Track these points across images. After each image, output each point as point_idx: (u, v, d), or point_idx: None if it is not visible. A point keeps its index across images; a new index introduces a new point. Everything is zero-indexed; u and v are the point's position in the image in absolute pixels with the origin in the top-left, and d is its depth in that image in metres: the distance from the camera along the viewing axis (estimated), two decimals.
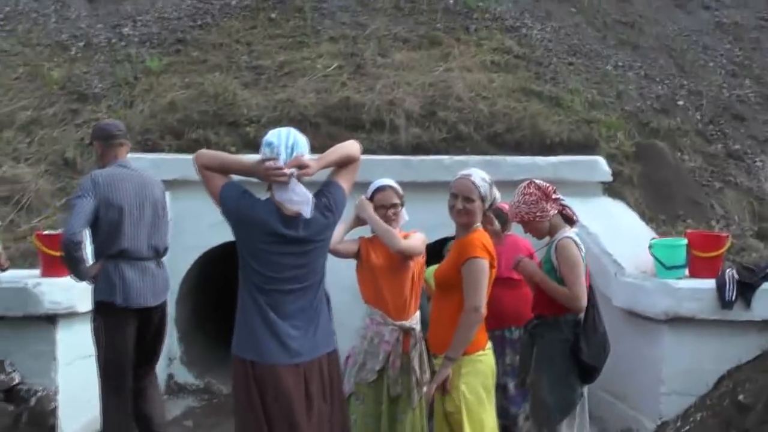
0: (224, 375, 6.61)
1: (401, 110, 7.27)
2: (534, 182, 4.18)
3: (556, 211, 4.13)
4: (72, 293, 5.04)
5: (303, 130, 6.85)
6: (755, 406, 4.52)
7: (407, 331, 4.16)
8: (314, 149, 6.72)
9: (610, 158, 7.01)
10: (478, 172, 3.82)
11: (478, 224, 3.75)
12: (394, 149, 6.96)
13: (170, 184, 6.23)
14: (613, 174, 6.82)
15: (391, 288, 4.14)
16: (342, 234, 4.18)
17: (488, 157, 6.69)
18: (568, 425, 4.04)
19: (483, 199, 3.72)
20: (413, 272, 4.23)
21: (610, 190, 6.82)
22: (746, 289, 4.94)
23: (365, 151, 6.39)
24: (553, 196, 4.14)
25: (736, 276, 4.98)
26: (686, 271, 5.22)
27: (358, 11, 9.50)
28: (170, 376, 6.62)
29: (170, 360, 6.58)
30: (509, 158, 6.69)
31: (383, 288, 4.14)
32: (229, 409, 5.65)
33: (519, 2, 10.17)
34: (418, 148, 7.00)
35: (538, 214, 4.10)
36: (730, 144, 7.83)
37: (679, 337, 5.01)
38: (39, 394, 5.00)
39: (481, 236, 3.70)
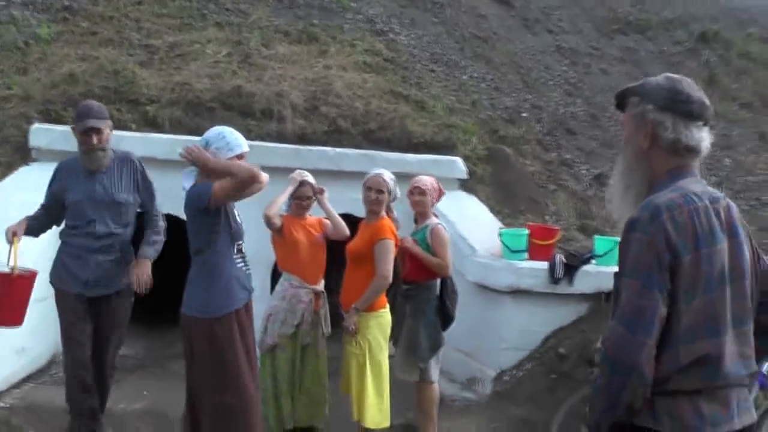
0: None
1: (288, 102, 8.46)
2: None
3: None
4: None
5: (199, 114, 8.00)
6: (571, 355, 6.26)
7: (318, 294, 5.43)
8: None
9: (466, 159, 8.53)
10: (386, 172, 5.32)
11: (383, 213, 5.19)
12: (281, 138, 8.12)
13: None
14: (468, 173, 8.37)
15: (308, 259, 5.38)
16: (278, 206, 5.38)
17: (365, 151, 8.03)
18: (435, 361, 5.53)
19: (389, 192, 5.18)
20: (322, 246, 5.53)
21: (465, 186, 8.34)
22: (570, 270, 6.64)
23: (256, 138, 7.64)
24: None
25: (563, 260, 6.67)
26: (526, 255, 6.86)
27: None
28: None
29: None
30: (383, 153, 8.07)
31: (301, 259, 5.35)
32: (125, 368, 6.59)
33: (387, 7, 11.62)
34: (302, 138, 8.20)
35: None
36: (563, 153, 9.70)
37: (518, 305, 6.64)
38: None
39: (388, 222, 5.17)
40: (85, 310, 4.90)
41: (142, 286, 4.86)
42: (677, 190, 2.40)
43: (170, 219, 7.41)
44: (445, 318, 5.56)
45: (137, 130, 7.68)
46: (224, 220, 4.22)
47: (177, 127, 7.82)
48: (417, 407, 5.66)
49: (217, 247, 4.20)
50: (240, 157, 4.28)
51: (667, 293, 2.28)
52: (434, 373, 5.53)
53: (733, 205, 2.44)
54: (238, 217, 4.43)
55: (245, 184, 4.16)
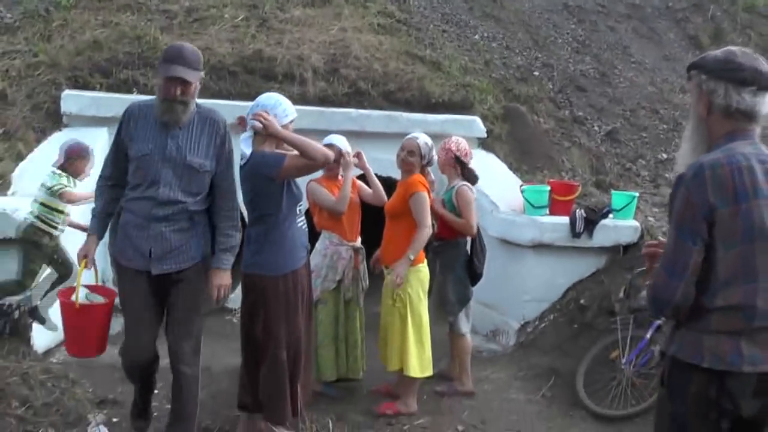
0: None
1: (308, 65, 8.67)
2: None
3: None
4: None
5: (222, 78, 8.20)
6: (591, 306, 6.59)
7: (357, 250, 5.72)
8: (232, 96, 8.08)
9: (483, 118, 8.78)
10: (423, 136, 5.56)
11: (416, 172, 5.45)
12: (304, 100, 8.32)
13: (109, 121, 7.28)
14: (486, 131, 8.66)
15: (346, 217, 5.63)
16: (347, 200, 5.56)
17: (387, 113, 8.27)
18: (464, 314, 5.86)
19: (422, 156, 5.45)
20: (358, 205, 5.80)
21: (484, 144, 8.63)
22: (590, 224, 6.94)
23: None
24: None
25: (583, 214, 6.97)
26: (548, 210, 7.15)
27: None
28: None
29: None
30: (404, 114, 8.30)
31: (343, 217, 5.60)
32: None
33: None
34: (324, 100, 8.42)
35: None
36: (575, 111, 9.94)
37: (540, 258, 6.95)
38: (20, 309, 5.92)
39: (419, 177, 5.42)
40: (147, 289, 4.27)
41: (221, 297, 4.35)
42: (726, 151, 2.68)
43: None
44: (473, 274, 5.88)
45: None
46: (288, 186, 4.47)
47: (202, 91, 7.89)
48: (451, 358, 6.01)
49: (282, 210, 4.45)
50: (291, 122, 4.53)
51: (702, 243, 2.62)
52: (464, 326, 5.87)
53: None
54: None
55: (318, 166, 4.44)
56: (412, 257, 5.26)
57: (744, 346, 2.60)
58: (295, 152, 4.36)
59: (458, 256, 5.82)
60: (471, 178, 5.95)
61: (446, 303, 5.79)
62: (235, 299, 7.62)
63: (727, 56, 2.76)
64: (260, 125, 4.32)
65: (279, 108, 4.47)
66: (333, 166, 5.53)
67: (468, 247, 5.90)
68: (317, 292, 5.57)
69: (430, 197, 5.44)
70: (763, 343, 2.62)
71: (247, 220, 4.72)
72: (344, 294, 5.66)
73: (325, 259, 5.62)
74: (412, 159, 5.46)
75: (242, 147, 4.46)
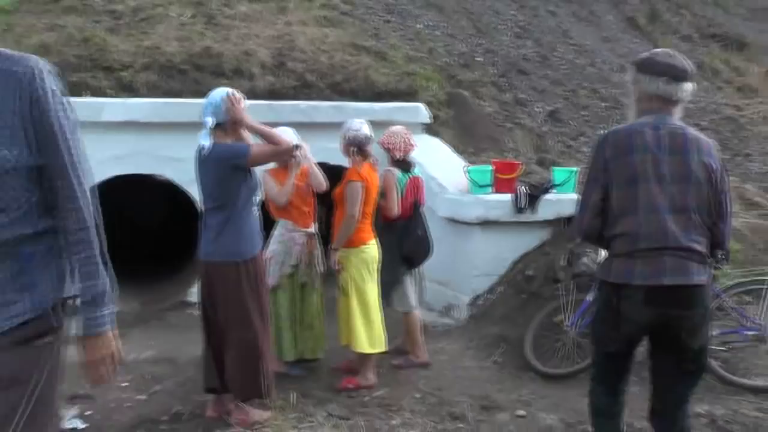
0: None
1: (256, 60, 8.95)
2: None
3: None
4: None
5: (171, 77, 8.44)
6: (537, 276, 6.99)
7: (310, 235, 6.04)
8: (182, 94, 8.32)
9: (428, 104, 9.09)
10: (355, 120, 5.89)
11: (358, 158, 5.76)
12: (253, 94, 8.56)
13: None
14: (431, 117, 9.00)
15: (298, 205, 5.95)
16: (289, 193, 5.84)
17: (335, 103, 8.55)
18: (408, 292, 6.21)
19: (355, 139, 5.77)
20: (310, 193, 6.11)
21: (429, 129, 8.95)
22: (533, 200, 7.33)
23: None
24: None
25: (526, 190, 7.36)
26: (492, 189, 7.53)
27: None
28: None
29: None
30: (350, 104, 8.60)
31: (292, 205, 5.90)
32: (125, 323, 7.08)
33: None
34: (273, 93, 8.70)
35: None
36: (517, 93, 10.35)
37: (487, 235, 7.33)
38: None
39: (356, 166, 5.73)
40: None
41: (105, 377, 2.63)
42: (634, 123, 3.66)
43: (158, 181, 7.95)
44: (406, 256, 6.23)
45: (115, 95, 8.10)
46: (247, 176, 4.79)
47: (153, 91, 8.26)
48: (404, 333, 6.38)
49: (242, 199, 4.77)
50: None
51: (600, 187, 3.56)
52: (405, 304, 6.23)
53: (689, 134, 3.57)
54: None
55: (282, 156, 4.88)
56: (336, 247, 5.67)
57: (635, 264, 3.45)
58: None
59: (390, 239, 6.14)
60: (408, 166, 6.36)
61: (382, 283, 6.11)
62: (196, 292, 7.91)
63: (649, 55, 3.70)
64: (231, 111, 4.71)
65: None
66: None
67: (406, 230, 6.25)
68: (276, 277, 5.86)
69: (369, 187, 5.75)
70: (649, 261, 3.43)
71: (203, 209, 4.98)
72: (300, 278, 5.98)
73: (281, 245, 5.92)
74: (345, 144, 5.82)
75: (200, 140, 4.73)
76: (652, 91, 3.59)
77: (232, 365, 4.91)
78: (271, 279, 5.87)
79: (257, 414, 5.02)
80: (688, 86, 3.61)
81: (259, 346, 4.89)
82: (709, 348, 3.73)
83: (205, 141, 4.72)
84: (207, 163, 4.73)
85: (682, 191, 3.47)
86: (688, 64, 3.63)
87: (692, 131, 3.61)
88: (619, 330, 3.54)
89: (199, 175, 4.83)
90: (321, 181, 5.98)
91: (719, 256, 3.67)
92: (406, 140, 6.32)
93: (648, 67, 3.61)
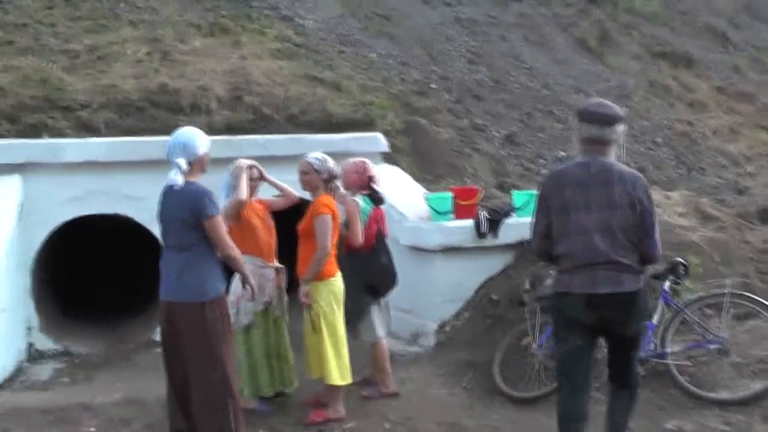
0: (77, 337, 7.94)
1: (212, 95, 8.99)
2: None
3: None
4: None
5: (129, 114, 8.47)
6: (502, 300, 7.08)
7: (278, 270, 6.07)
8: (141, 131, 8.35)
9: (385, 133, 9.16)
10: (313, 154, 5.93)
11: (322, 191, 5.81)
12: (211, 130, 8.51)
13: (20, 168, 7.53)
14: (389, 146, 9.09)
15: (265, 240, 5.99)
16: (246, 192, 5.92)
17: (292, 136, 8.60)
18: (374, 322, 6.23)
19: (318, 171, 5.82)
20: (273, 228, 6.15)
21: (388, 158, 9.03)
22: (494, 224, 7.43)
23: None
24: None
25: (487, 215, 7.46)
26: (453, 215, 7.62)
27: None
28: (30, 345, 7.54)
29: (29, 329, 7.56)
30: (308, 136, 8.64)
31: (260, 241, 5.94)
32: (90, 366, 7.09)
33: None
34: (230, 128, 8.73)
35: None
36: (473, 118, 10.52)
37: (450, 261, 7.39)
38: None
39: (325, 199, 5.79)
40: None
41: None
42: (571, 163, 4.53)
43: (119, 220, 7.92)
44: (369, 286, 6.24)
45: (74, 135, 8.09)
46: None
47: (112, 129, 8.27)
48: (372, 363, 6.40)
49: (207, 241, 4.81)
50: (206, 154, 4.95)
51: (544, 216, 4.43)
52: (371, 334, 6.25)
53: (615, 169, 4.32)
54: None
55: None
56: (306, 278, 5.67)
57: (574, 277, 4.29)
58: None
59: (353, 269, 6.13)
60: (378, 200, 6.41)
61: (347, 313, 6.13)
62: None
63: (584, 106, 4.53)
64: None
65: (196, 141, 4.87)
66: (253, 183, 6.03)
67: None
68: (250, 315, 5.89)
69: (335, 219, 5.81)
70: (585, 274, 4.25)
71: (163, 246, 4.98)
72: (273, 313, 6.02)
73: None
74: (307, 177, 5.83)
75: (170, 178, 4.76)
76: (587, 135, 4.38)
77: (200, 408, 4.88)
78: (244, 317, 5.89)
79: None
80: (619, 128, 4.37)
81: (230, 386, 4.88)
82: (642, 333, 4.73)
83: (176, 179, 4.75)
84: (174, 202, 4.79)
85: (608, 216, 4.25)
86: (616, 111, 4.40)
87: (619, 167, 4.37)
88: (571, 329, 4.37)
89: (163, 212, 4.87)
90: (292, 192, 6.14)
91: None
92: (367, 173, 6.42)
93: (583, 116, 4.42)
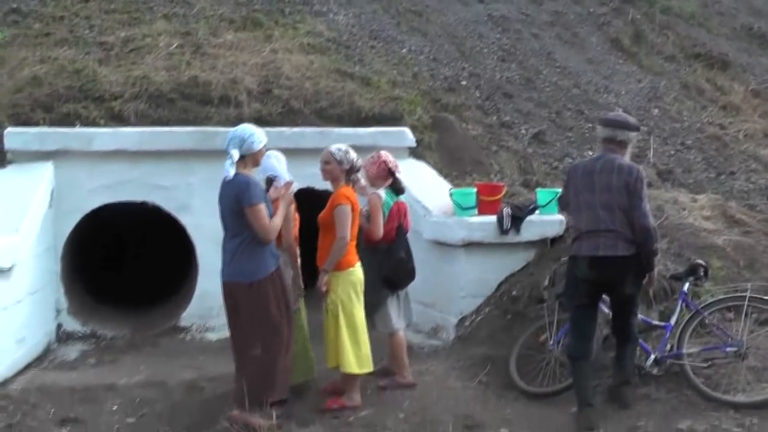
0: (105, 321, 8.20)
1: (242, 88, 9.17)
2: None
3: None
4: None
5: (160, 105, 8.68)
6: (522, 297, 7.16)
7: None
8: (171, 123, 8.56)
9: (413, 128, 9.29)
10: (336, 145, 6.06)
11: (342, 182, 5.93)
12: (240, 122, 8.62)
13: (53, 155, 7.80)
14: (416, 141, 9.18)
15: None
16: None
17: (320, 129, 8.76)
18: (393, 313, 6.36)
19: (339, 162, 5.93)
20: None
21: (415, 153, 9.15)
22: (517, 221, 7.52)
23: (216, 123, 8.36)
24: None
25: (510, 212, 7.53)
26: (476, 211, 7.72)
27: None
28: (59, 326, 7.86)
29: (58, 311, 7.86)
30: (336, 129, 8.80)
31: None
32: (116, 349, 7.32)
33: None
34: (259, 120, 8.81)
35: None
36: (502, 116, 10.58)
37: (472, 256, 7.51)
38: None
39: (345, 190, 5.91)
40: None
41: None
42: (587, 158, 5.86)
43: (148, 208, 8.14)
44: (388, 279, 6.34)
45: (105, 125, 8.32)
46: None
47: (142, 120, 8.49)
48: (390, 354, 6.52)
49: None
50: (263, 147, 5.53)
51: (567, 193, 5.87)
52: (387, 325, 6.37)
53: (616, 163, 5.53)
54: None
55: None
56: (327, 269, 5.83)
57: (582, 243, 5.55)
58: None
59: (372, 262, 6.24)
60: (399, 189, 6.50)
61: (366, 305, 6.23)
62: (188, 317, 8.06)
63: (605, 114, 5.89)
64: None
65: (254, 137, 5.41)
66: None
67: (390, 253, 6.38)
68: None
69: (355, 209, 5.93)
70: (590, 240, 5.49)
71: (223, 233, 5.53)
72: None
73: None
74: (328, 167, 5.96)
75: (225, 169, 5.31)
76: (603, 136, 5.75)
77: (237, 377, 5.48)
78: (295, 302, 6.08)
79: (256, 420, 5.35)
80: (629, 133, 5.68)
81: (264, 367, 5.41)
82: (637, 293, 5.70)
83: (229, 171, 5.29)
84: (225, 192, 5.36)
85: (608, 197, 5.49)
86: (628, 119, 5.84)
87: (620, 160, 5.56)
88: (579, 288, 5.61)
89: (220, 202, 5.45)
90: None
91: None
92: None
93: (602, 122, 5.87)
